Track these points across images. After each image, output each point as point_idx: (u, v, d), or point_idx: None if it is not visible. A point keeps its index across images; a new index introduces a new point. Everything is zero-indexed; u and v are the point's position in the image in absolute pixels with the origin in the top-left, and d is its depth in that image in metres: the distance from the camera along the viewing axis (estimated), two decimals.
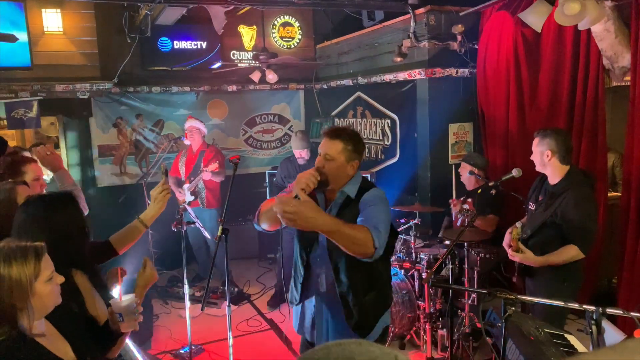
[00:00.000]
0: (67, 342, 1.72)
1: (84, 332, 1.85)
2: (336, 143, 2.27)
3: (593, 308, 1.85)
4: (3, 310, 1.52)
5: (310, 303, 2.48)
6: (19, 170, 2.74)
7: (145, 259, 2.21)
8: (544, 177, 3.19)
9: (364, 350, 0.73)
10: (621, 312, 1.87)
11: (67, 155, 6.02)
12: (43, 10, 5.49)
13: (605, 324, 1.86)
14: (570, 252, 2.93)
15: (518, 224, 3.02)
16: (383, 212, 2.27)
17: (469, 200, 4.20)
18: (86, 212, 2.57)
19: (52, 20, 5.54)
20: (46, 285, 1.60)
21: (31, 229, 1.91)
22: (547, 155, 3.03)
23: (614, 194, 4.77)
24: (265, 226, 2.44)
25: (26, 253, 1.57)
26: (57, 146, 6.42)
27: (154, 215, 2.52)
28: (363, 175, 2.50)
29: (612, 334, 1.92)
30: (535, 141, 3.11)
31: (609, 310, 1.85)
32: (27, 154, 3.62)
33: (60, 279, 1.65)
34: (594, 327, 1.83)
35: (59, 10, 5.56)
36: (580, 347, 2.24)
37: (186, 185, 5.37)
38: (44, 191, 2.80)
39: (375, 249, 2.10)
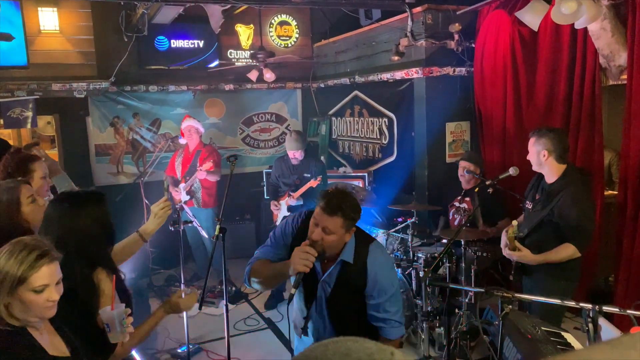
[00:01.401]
0: (63, 339, 1.72)
1: (85, 333, 1.84)
2: (336, 219, 2.11)
3: (590, 306, 1.86)
4: None
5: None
6: (28, 168, 2.74)
7: (194, 292, 2.28)
8: (540, 176, 3.20)
9: (360, 347, 0.72)
10: (618, 310, 1.88)
11: (64, 155, 6.00)
12: (39, 8, 5.47)
13: (602, 322, 1.87)
14: (568, 251, 2.94)
15: (514, 223, 3.03)
16: (398, 294, 2.27)
17: (467, 199, 4.21)
18: None
19: (48, 18, 5.52)
20: (30, 295, 1.55)
21: (57, 224, 1.93)
22: (544, 155, 3.03)
23: (610, 192, 4.78)
24: (258, 288, 2.42)
25: (28, 255, 1.55)
26: (53, 145, 6.41)
27: (154, 229, 2.51)
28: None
29: (609, 332, 1.92)
30: (531, 141, 3.11)
31: (606, 308, 1.86)
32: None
33: (55, 295, 1.60)
34: (590, 325, 1.84)
35: (55, 9, 5.54)
36: (577, 345, 2.25)
37: (182, 185, 5.37)
38: (49, 188, 2.80)
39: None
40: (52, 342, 1.67)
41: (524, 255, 3.00)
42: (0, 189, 2.29)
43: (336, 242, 2.16)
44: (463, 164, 4.30)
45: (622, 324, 2.81)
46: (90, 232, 1.96)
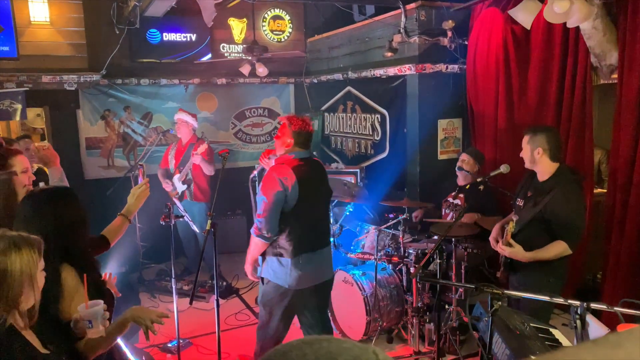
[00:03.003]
0: (37, 336, 1.72)
1: (52, 327, 1.84)
2: (284, 124, 3.13)
3: (578, 303, 1.88)
4: (10, 296, 1.54)
5: None
6: (6, 163, 2.70)
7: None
8: (532, 174, 3.22)
9: (341, 349, 0.70)
10: (605, 307, 1.90)
11: (54, 148, 5.94)
12: None
13: (590, 319, 1.90)
14: (559, 248, 2.96)
15: (514, 218, 3.03)
16: (261, 199, 2.96)
17: (461, 195, 4.22)
18: None
19: (38, 10, 5.45)
20: (41, 275, 1.64)
21: (36, 220, 1.93)
22: (538, 153, 3.05)
23: (599, 190, 4.82)
24: None
25: (32, 243, 1.62)
26: (43, 138, 6.35)
27: (134, 210, 2.68)
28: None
29: (596, 329, 1.95)
30: (526, 138, 3.13)
31: (593, 305, 1.88)
32: (15, 145, 3.57)
33: (43, 274, 1.68)
34: (578, 322, 1.86)
35: (45, 0, 5.47)
36: (565, 341, 2.27)
37: (176, 176, 5.35)
38: (31, 183, 2.77)
39: (262, 236, 2.99)
40: (34, 340, 1.67)
41: (516, 251, 3.00)
42: None
43: (277, 142, 3.13)
44: (462, 156, 4.32)
45: (610, 320, 2.85)
46: (68, 225, 1.97)
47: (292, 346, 0.72)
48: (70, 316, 1.91)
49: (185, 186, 5.34)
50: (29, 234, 1.79)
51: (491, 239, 3.31)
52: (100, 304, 1.87)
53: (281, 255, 3.04)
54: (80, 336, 1.89)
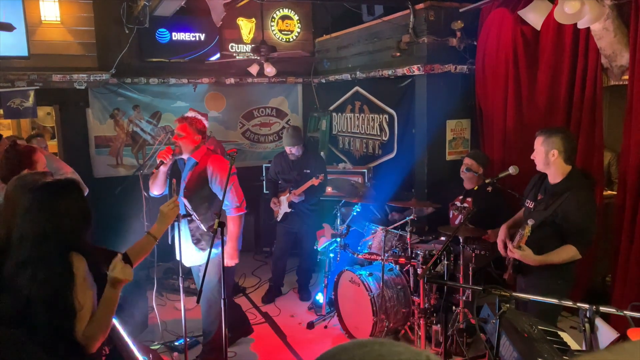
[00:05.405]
0: None
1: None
2: (184, 124, 3.74)
3: (587, 306, 1.87)
4: None
5: None
6: (32, 160, 2.74)
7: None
8: (543, 176, 3.18)
9: (390, 351, 0.69)
10: (614, 310, 1.89)
11: (63, 146, 6.00)
12: None
13: (599, 322, 1.88)
14: (569, 253, 2.93)
15: (530, 222, 2.99)
16: (229, 188, 3.55)
17: (469, 199, 4.19)
18: (86, 192, 2.56)
19: (49, 9, 5.50)
20: None
21: (36, 214, 1.92)
22: (553, 155, 2.99)
23: (609, 192, 4.78)
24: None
25: None
26: (53, 136, 6.40)
27: (163, 229, 2.67)
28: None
29: (605, 332, 1.93)
30: (539, 140, 3.06)
31: (602, 309, 1.87)
32: (21, 142, 3.61)
33: None
34: (587, 325, 1.85)
35: (56, 0, 5.52)
36: (573, 345, 2.25)
37: None
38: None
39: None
40: None
41: (526, 254, 2.96)
42: (27, 182, 2.25)
43: (185, 142, 3.69)
44: (466, 160, 4.29)
45: (619, 324, 2.82)
46: (69, 218, 1.96)
47: (343, 348, 0.71)
48: (82, 304, 1.88)
49: None
50: (31, 226, 1.81)
51: (499, 241, 3.28)
52: None
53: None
54: None
